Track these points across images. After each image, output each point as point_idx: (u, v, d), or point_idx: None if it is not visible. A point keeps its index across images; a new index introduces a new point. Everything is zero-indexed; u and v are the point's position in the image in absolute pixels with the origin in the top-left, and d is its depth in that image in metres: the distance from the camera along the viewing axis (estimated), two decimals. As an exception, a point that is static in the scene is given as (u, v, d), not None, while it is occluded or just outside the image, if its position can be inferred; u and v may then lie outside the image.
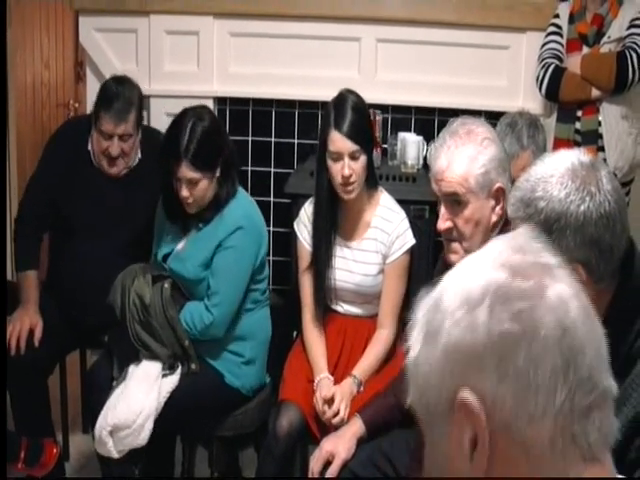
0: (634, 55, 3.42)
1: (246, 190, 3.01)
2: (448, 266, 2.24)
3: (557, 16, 3.65)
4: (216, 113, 3.81)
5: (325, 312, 2.94)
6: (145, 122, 3.77)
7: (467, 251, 2.19)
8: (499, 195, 2.20)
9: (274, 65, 4.04)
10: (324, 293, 2.91)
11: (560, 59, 3.59)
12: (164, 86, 4.07)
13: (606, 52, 3.52)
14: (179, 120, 2.74)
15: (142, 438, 2.66)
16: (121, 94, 3.01)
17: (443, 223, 2.22)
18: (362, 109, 2.84)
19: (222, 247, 2.76)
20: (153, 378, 2.72)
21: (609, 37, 3.53)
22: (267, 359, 2.97)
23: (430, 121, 4.03)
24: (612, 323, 1.02)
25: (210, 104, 3.91)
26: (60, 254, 3.19)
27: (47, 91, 4.60)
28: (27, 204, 3.21)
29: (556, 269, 0.92)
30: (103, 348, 3.04)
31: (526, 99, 3.88)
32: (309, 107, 4.04)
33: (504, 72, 3.98)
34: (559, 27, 3.63)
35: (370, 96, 3.16)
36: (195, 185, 2.72)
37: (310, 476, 2.51)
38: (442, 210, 2.22)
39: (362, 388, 2.77)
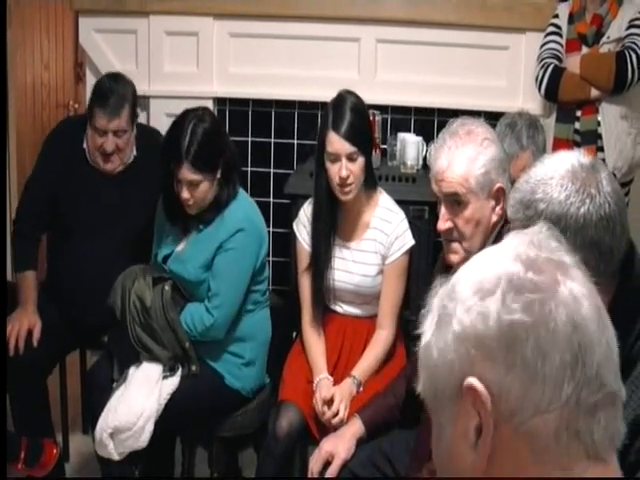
0: (633, 55, 3.42)
1: (246, 191, 3.01)
2: (448, 266, 2.26)
3: (556, 16, 3.66)
4: (216, 114, 3.80)
5: (324, 312, 2.94)
6: (145, 123, 3.79)
7: (467, 251, 2.19)
8: (499, 195, 2.21)
9: (274, 66, 4.04)
10: (323, 294, 2.91)
11: (559, 59, 3.59)
12: (164, 87, 4.08)
13: (605, 52, 3.52)
14: (180, 121, 2.74)
15: (143, 440, 2.66)
16: (114, 90, 3.03)
17: (443, 223, 2.22)
18: (361, 110, 2.83)
19: (223, 249, 2.76)
20: (154, 380, 2.72)
21: (608, 37, 3.53)
22: (267, 360, 2.97)
23: (429, 121, 4.03)
24: (612, 324, 1.02)
25: (210, 105, 3.91)
26: (59, 254, 3.19)
27: (47, 92, 4.60)
28: (25, 202, 3.22)
29: (571, 268, 0.94)
30: (103, 349, 3.04)
31: (525, 99, 3.89)
32: (309, 108, 4.04)
33: (504, 72, 3.98)
34: (558, 27, 3.63)
35: (369, 97, 3.17)
36: (196, 187, 2.72)
37: (310, 476, 2.51)
38: (442, 210, 2.23)
39: (361, 388, 2.77)
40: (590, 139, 3.52)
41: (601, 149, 3.52)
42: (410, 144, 3.79)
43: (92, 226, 3.11)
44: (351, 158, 2.76)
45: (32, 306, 3.05)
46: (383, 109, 3.91)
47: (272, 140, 4.12)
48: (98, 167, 3.11)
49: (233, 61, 4.09)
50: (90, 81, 4.14)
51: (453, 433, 0.93)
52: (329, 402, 2.68)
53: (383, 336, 2.86)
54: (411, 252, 2.92)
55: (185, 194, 2.72)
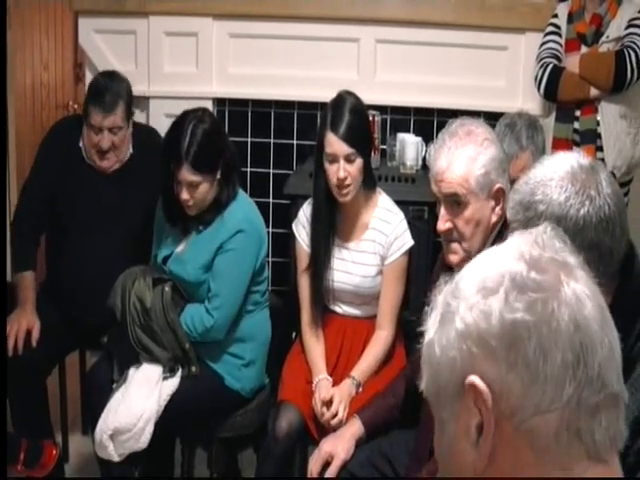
0: (632, 54, 3.42)
1: (245, 191, 3.00)
2: (447, 267, 2.26)
3: (555, 16, 3.66)
4: (215, 114, 3.81)
5: (324, 313, 2.94)
6: (144, 123, 3.79)
7: (466, 252, 2.19)
8: (499, 196, 2.21)
9: (273, 66, 4.04)
10: (322, 294, 2.91)
11: (559, 59, 3.59)
12: (163, 87, 4.08)
13: (605, 51, 3.52)
14: (179, 122, 2.74)
15: (143, 441, 2.66)
16: (109, 87, 3.05)
17: (443, 224, 2.22)
18: (360, 111, 2.83)
19: (223, 250, 2.76)
20: (154, 381, 2.72)
21: (608, 37, 3.53)
22: (266, 360, 2.97)
23: (429, 122, 4.03)
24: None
25: (209, 105, 3.91)
26: (58, 254, 3.19)
27: (46, 92, 4.59)
28: (24, 202, 3.23)
29: (575, 268, 0.94)
30: (102, 349, 3.04)
31: (525, 100, 3.89)
32: (308, 108, 4.04)
33: (503, 73, 3.98)
34: (558, 27, 3.63)
35: (369, 97, 3.17)
36: (196, 188, 2.71)
37: (309, 477, 2.51)
38: (442, 211, 2.22)
39: (361, 389, 2.77)
40: (589, 139, 3.52)
41: (600, 148, 3.52)
42: (409, 144, 3.80)
43: (90, 225, 3.11)
44: (349, 159, 2.75)
45: (31, 306, 3.05)
46: (382, 109, 3.91)
47: (271, 140, 4.12)
48: (94, 165, 3.12)
49: (232, 61, 4.09)
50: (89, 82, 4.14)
51: (455, 431, 0.94)
52: (328, 403, 2.68)
53: (382, 336, 2.86)
54: (410, 252, 2.92)
55: (185, 195, 2.72)
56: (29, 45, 4.39)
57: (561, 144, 3.50)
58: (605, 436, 0.89)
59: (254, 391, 2.92)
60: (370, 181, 2.88)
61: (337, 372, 2.84)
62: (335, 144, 2.74)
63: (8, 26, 3.73)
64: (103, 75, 3.19)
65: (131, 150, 3.18)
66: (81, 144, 3.15)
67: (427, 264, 3.33)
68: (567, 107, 3.57)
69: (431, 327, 0.97)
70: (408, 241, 2.88)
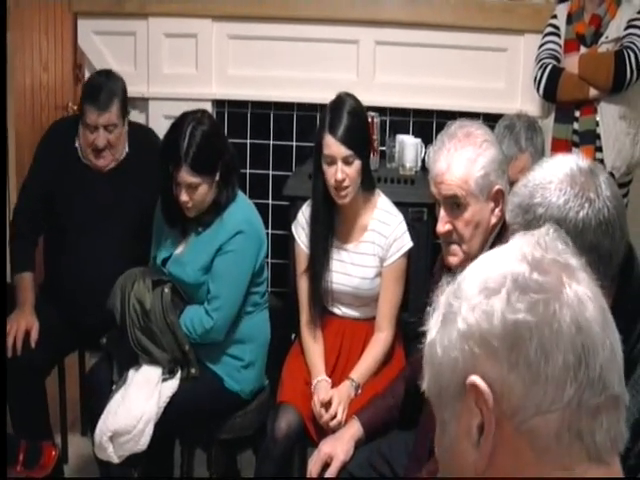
0: (632, 55, 3.42)
1: (244, 193, 3.01)
2: (446, 269, 2.26)
3: (555, 17, 3.66)
4: (214, 116, 3.81)
5: (323, 314, 2.94)
6: (140, 123, 3.79)
7: (466, 253, 2.19)
8: (498, 197, 2.21)
9: (273, 68, 4.04)
10: (321, 296, 2.91)
11: (558, 59, 3.59)
12: (162, 89, 4.07)
13: (604, 52, 3.52)
14: (178, 124, 2.74)
15: (142, 443, 2.66)
16: (104, 85, 3.07)
17: (443, 226, 2.22)
18: (359, 113, 2.83)
19: (222, 251, 2.76)
20: (153, 383, 2.72)
21: (607, 37, 3.53)
22: (266, 361, 2.97)
23: (428, 123, 4.03)
24: None
25: (208, 107, 3.92)
26: (56, 254, 3.19)
27: (46, 93, 4.59)
28: (22, 203, 3.23)
29: (577, 270, 0.94)
30: (102, 350, 3.04)
31: (524, 101, 3.88)
32: (307, 110, 4.04)
33: (502, 74, 3.98)
34: (557, 28, 3.63)
35: (368, 98, 3.17)
36: (195, 189, 2.72)
37: (308, 478, 2.51)
38: (441, 213, 2.22)
39: (360, 391, 2.77)
40: (589, 139, 3.52)
41: (600, 149, 3.52)
42: (409, 146, 3.79)
43: (87, 224, 3.12)
44: (347, 161, 2.75)
45: (29, 307, 3.05)
46: (382, 111, 3.91)
47: (271, 142, 4.12)
48: (90, 165, 3.14)
49: (232, 63, 4.09)
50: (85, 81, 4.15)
51: (456, 430, 0.94)
52: (327, 404, 2.69)
53: (382, 338, 2.86)
54: (409, 254, 2.92)
55: (184, 197, 2.72)
56: (29, 46, 4.39)
57: (560, 145, 3.50)
58: (606, 438, 0.90)
59: (253, 392, 2.92)
60: (369, 183, 2.88)
61: (336, 373, 2.85)
62: (333, 146, 2.74)
63: (8, 27, 3.73)
64: (98, 74, 3.22)
65: (127, 149, 3.19)
66: (77, 144, 3.16)
67: (426, 266, 3.32)
68: (566, 108, 3.57)
69: (433, 327, 0.98)
70: (407, 243, 2.88)
